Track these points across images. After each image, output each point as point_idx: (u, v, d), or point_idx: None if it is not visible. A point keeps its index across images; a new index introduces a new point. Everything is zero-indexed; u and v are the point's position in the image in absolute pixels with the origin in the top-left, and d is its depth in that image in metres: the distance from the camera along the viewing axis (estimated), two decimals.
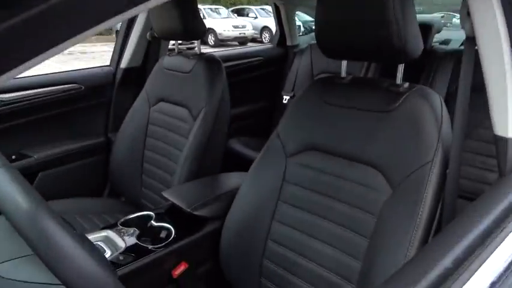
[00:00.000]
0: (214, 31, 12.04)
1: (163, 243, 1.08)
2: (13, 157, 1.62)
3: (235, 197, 1.13)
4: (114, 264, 0.99)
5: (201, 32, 1.46)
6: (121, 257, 1.01)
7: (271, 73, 2.56)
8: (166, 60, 1.61)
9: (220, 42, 12.04)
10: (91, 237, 1.09)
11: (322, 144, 1.00)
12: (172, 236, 1.11)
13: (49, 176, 1.69)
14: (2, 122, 1.58)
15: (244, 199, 1.11)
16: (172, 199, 1.19)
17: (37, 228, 0.49)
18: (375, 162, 0.88)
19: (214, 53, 1.67)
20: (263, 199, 1.07)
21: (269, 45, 2.63)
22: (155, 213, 1.21)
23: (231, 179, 1.36)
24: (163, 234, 1.13)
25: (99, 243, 1.07)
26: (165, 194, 1.23)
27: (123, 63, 1.84)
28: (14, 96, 1.58)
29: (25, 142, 1.66)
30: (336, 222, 0.93)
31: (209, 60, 1.47)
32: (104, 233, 1.11)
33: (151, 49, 1.87)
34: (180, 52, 1.62)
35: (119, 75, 1.85)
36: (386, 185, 0.85)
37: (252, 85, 2.47)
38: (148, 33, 1.82)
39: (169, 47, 1.94)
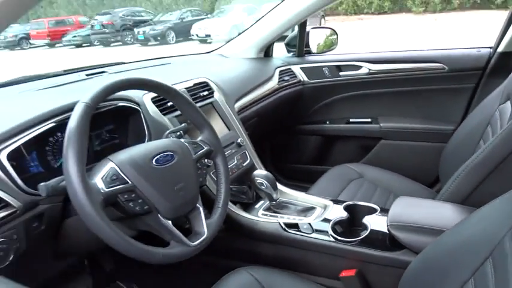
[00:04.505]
0: None
1: (348, 239, 1.03)
2: (368, 120, 1.86)
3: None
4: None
5: None
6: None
7: None
8: None
9: None
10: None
11: None
12: (360, 237, 1.02)
13: (389, 146, 1.81)
14: (367, 88, 1.83)
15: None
16: (393, 205, 1.05)
17: None
18: None
19: None
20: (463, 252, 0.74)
21: None
22: (380, 210, 1.12)
23: None
24: (363, 233, 1.06)
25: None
26: (398, 198, 1.09)
27: (501, 46, 1.50)
28: (380, 68, 1.76)
29: (379, 109, 1.84)
30: None
31: None
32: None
33: None
34: None
35: (494, 60, 1.54)
36: None
37: None
38: None
39: None
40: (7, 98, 1.08)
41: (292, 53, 2.03)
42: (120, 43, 14.01)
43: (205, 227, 0.86)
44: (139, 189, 0.76)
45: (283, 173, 2.10)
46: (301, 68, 1.93)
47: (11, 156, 0.81)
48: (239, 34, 1.93)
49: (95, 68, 1.39)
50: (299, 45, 1.95)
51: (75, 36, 14.61)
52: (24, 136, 0.83)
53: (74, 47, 14.34)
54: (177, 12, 14.63)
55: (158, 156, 0.82)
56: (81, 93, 0.99)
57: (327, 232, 1.07)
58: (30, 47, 15.29)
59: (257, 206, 1.25)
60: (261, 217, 1.18)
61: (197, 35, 12.24)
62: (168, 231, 0.80)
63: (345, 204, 1.17)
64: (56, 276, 1.11)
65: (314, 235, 1.08)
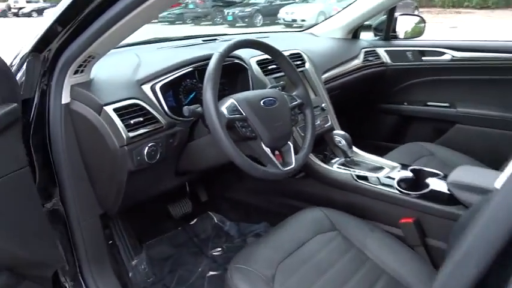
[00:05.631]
0: None
1: (410, 192, 1.21)
2: (446, 104, 1.95)
3: None
4: None
5: None
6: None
7: None
8: None
9: None
10: None
11: None
12: (421, 192, 1.19)
13: (463, 130, 1.90)
14: (447, 74, 1.92)
15: None
16: (455, 169, 1.18)
17: None
18: None
19: None
20: None
21: None
22: (444, 175, 1.25)
23: None
24: (424, 190, 1.23)
25: None
26: (461, 166, 1.23)
27: None
28: (463, 55, 1.85)
29: (457, 95, 1.92)
30: None
31: None
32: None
33: None
34: None
35: None
36: None
37: None
38: None
39: None
40: (150, 52, 1.41)
41: (378, 37, 2.17)
42: (210, 22, 14.71)
43: (293, 159, 1.10)
44: (250, 120, 1.02)
45: (358, 145, 2.28)
46: (385, 51, 2.08)
47: (160, 89, 1.12)
48: (326, 19, 2.12)
49: (207, 37, 1.70)
50: (386, 30, 2.09)
51: (169, 14, 15.66)
52: (172, 75, 1.14)
53: (167, 23, 15.37)
54: None
55: (265, 99, 1.08)
56: (202, 52, 1.29)
57: (392, 186, 1.25)
58: None
59: (333, 161, 1.47)
60: (335, 168, 1.40)
61: (284, 19, 12.42)
62: (267, 156, 1.05)
63: (411, 167, 1.34)
64: (170, 192, 1.44)
65: (380, 187, 1.27)
